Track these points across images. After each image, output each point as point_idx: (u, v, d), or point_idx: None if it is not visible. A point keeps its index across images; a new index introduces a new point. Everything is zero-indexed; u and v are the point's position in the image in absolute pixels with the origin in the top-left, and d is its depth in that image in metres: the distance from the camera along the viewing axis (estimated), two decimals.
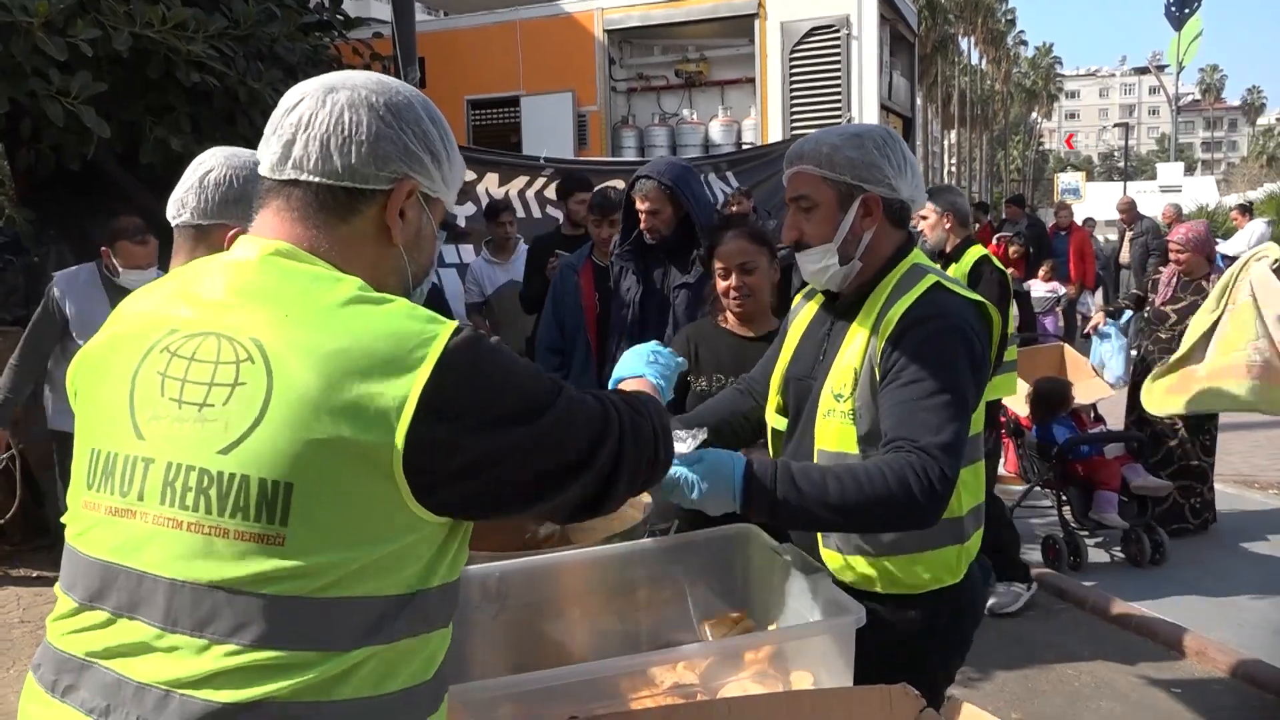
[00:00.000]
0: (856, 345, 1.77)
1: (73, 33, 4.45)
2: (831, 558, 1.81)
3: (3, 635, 4.34)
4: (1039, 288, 9.98)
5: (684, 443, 1.56)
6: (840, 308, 1.87)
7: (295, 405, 0.96)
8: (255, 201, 1.14)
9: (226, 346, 1.01)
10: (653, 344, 1.71)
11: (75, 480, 1.08)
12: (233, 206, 1.70)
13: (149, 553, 0.99)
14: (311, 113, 1.10)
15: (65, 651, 1.03)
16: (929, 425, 1.62)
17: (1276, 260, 4.47)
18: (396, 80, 1.17)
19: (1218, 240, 11.81)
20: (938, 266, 1.88)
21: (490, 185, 6.60)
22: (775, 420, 1.97)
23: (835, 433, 1.76)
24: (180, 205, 1.73)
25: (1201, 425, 5.12)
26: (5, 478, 5.11)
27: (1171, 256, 5.22)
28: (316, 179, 1.09)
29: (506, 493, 1.05)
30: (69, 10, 4.47)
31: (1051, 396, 5.12)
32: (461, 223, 6.31)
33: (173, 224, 1.76)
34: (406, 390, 0.96)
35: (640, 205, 3.36)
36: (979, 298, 1.77)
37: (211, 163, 1.74)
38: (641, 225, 3.39)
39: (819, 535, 1.83)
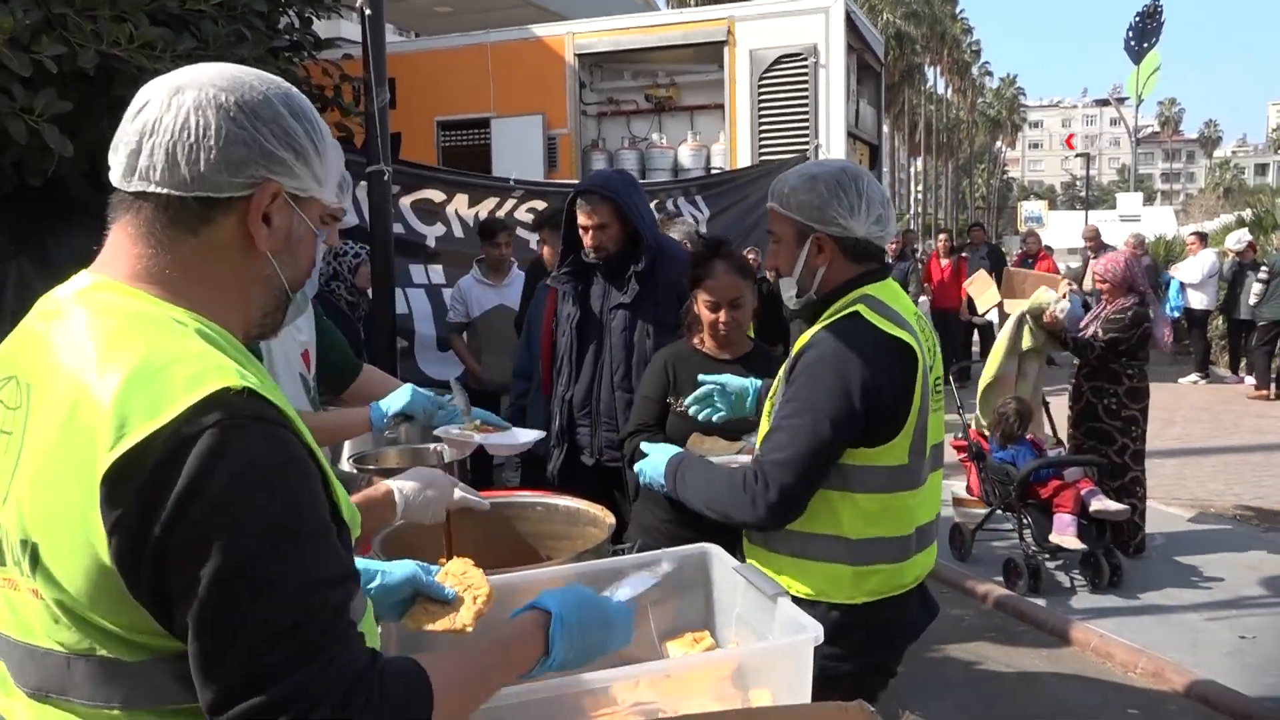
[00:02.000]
0: (788, 363, 2.00)
1: (37, 49, 4.42)
2: (747, 547, 2.09)
3: None
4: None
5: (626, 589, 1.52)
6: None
7: (37, 462, 0.92)
8: (113, 217, 1.05)
9: (15, 392, 0.98)
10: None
11: None
12: None
13: None
14: (157, 117, 1.00)
15: None
16: (778, 444, 1.90)
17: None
18: (253, 72, 1.06)
19: (1176, 266, 12.10)
20: (889, 297, 1.97)
21: (460, 206, 6.61)
22: None
23: (762, 435, 2.04)
24: None
25: (1129, 429, 5.19)
26: None
27: (1095, 285, 5.43)
28: (165, 190, 0.99)
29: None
30: (34, 27, 4.43)
31: (1024, 415, 5.20)
32: (431, 243, 6.31)
33: None
34: (111, 459, 0.87)
35: (586, 220, 3.13)
36: (899, 334, 1.88)
37: None
38: (588, 243, 3.16)
39: (743, 532, 2.11)
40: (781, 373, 2.01)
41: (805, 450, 1.84)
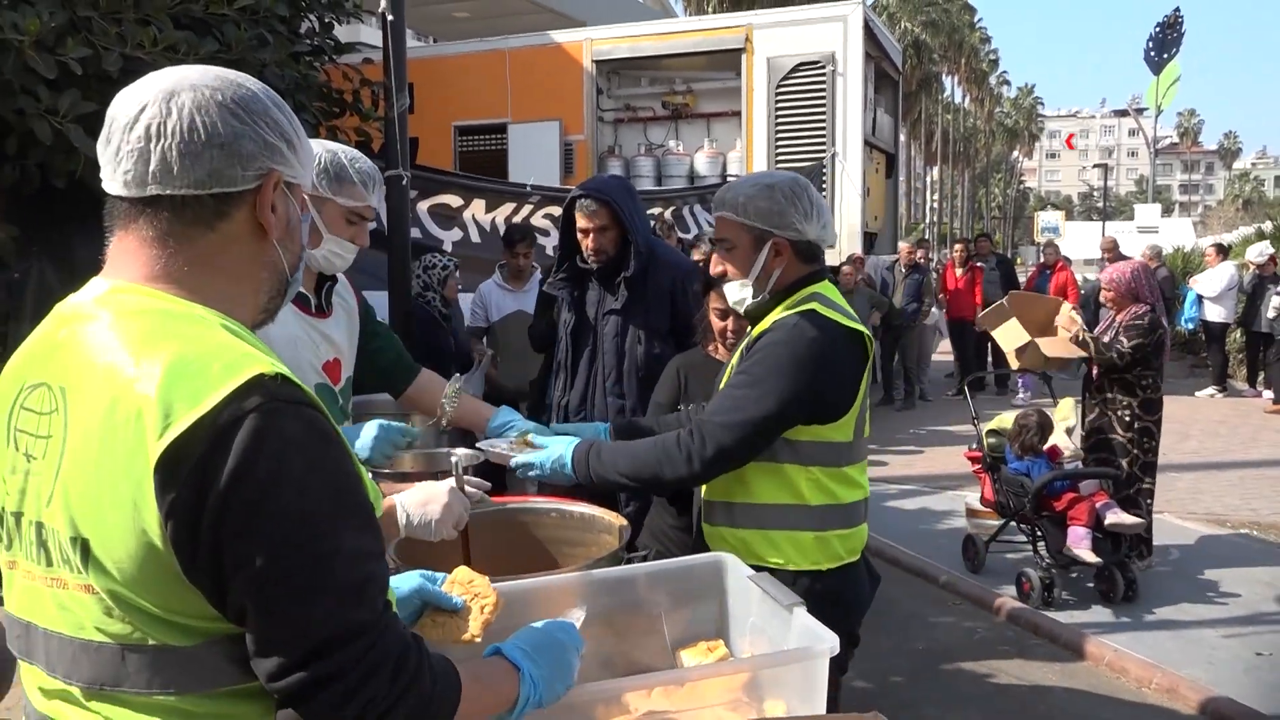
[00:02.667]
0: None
1: (62, 51, 4.47)
2: (706, 528, 2.17)
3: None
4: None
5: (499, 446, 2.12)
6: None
7: (81, 459, 0.95)
8: (112, 226, 1.08)
9: (48, 397, 1.01)
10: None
11: None
12: None
13: (29, 603, 1.03)
14: (159, 121, 1.02)
15: (26, 693, 1.08)
16: (722, 407, 2.04)
17: None
18: (231, 71, 1.11)
19: (1195, 279, 12.01)
20: (835, 295, 2.14)
21: (477, 211, 6.63)
22: None
23: None
24: None
25: (1142, 440, 5.15)
26: None
27: (1101, 296, 5.40)
28: (180, 190, 1.02)
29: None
30: (60, 29, 4.48)
31: (1045, 426, 5.16)
32: (448, 248, 6.34)
33: None
34: (157, 449, 0.90)
35: (586, 224, 3.15)
36: (854, 325, 2.07)
37: None
38: (587, 246, 3.17)
39: (701, 513, 2.21)
40: (735, 357, 2.17)
41: (747, 418, 1.99)
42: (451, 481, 1.78)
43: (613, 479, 2.06)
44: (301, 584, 0.93)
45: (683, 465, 2.00)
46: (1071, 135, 52.27)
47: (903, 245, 11.36)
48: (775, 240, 2.09)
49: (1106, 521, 4.79)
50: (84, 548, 0.95)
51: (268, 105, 1.09)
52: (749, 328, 2.77)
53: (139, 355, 0.96)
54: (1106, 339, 5.18)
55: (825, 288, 2.15)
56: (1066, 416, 5.56)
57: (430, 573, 1.39)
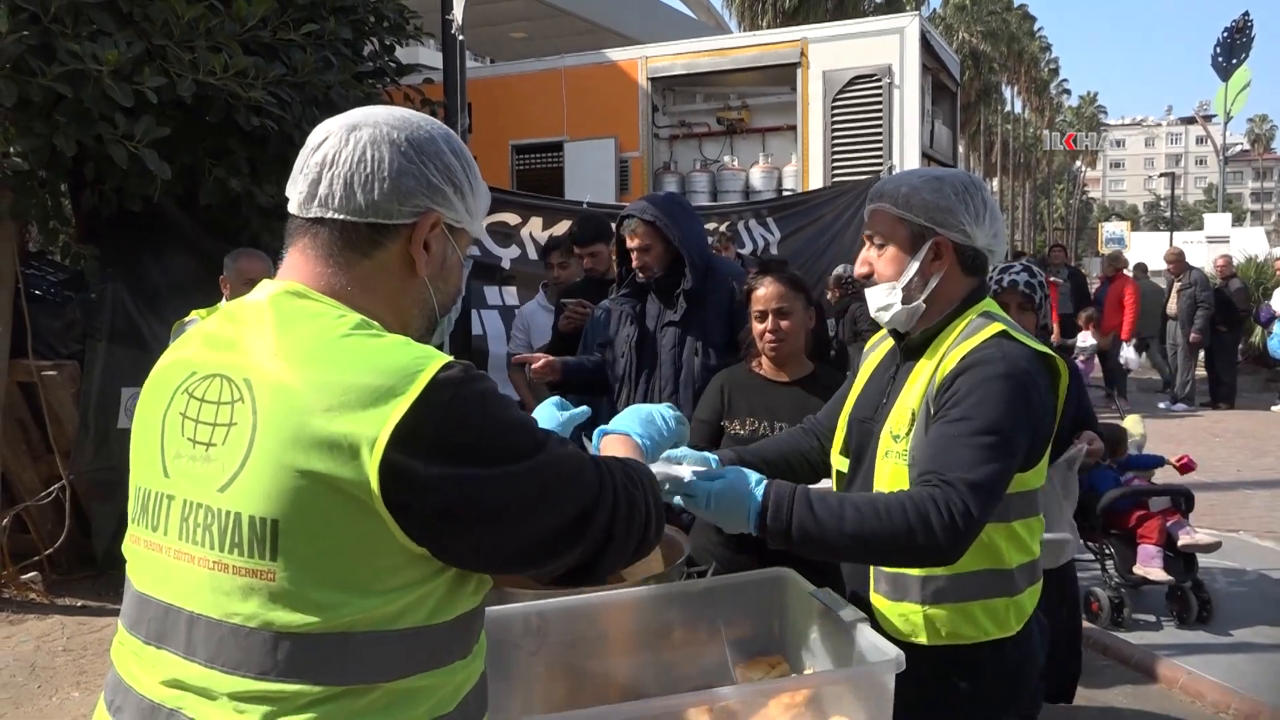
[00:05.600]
0: (918, 387, 1.77)
1: (139, 80, 4.63)
2: (879, 602, 1.80)
3: (46, 663, 4.42)
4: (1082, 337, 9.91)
5: (681, 465, 1.57)
6: (907, 350, 1.88)
7: (275, 443, 0.98)
8: (289, 238, 1.16)
9: (227, 387, 1.05)
10: (663, 407, 1.67)
11: (129, 515, 1.14)
12: None
13: (172, 585, 1.04)
14: (336, 151, 1.11)
15: (117, 673, 1.09)
16: (964, 461, 1.60)
17: None
18: (419, 115, 1.19)
19: (1277, 295, 11.61)
20: (1008, 317, 1.84)
21: (534, 229, 6.71)
22: (839, 461, 1.96)
23: (890, 473, 1.76)
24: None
25: None
26: (55, 508, 5.24)
27: None
28: (341, 216, 1.11)
29: (487, 548, 1.04)
30: (136, 59, 4.65)
31: (1113, 440, 5.03)
32: (506, 265, 6.40)
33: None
34: (381, 423, 0.96)
35: (630, 243, 3.29)
36: (1047, 350, 1.75)
37: None
38: (634, 263, 3.31)
39: (871, 581, 1.82)
40: (918, 396, 1.76)
41: (998, 472, 1.62)
42: None
43: (832, 540, 1.55)
44: (539, 492, 1.05)
45: (922, 537, 1.53)
46: (1071, 135, 50.47)
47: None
48: (938, 239, 1.79)
49: (1180, 542, 4.65)
50: (272, 529, 0.98)
51: (442, 149, 1.16)
52: (795, 340, 2.71)
53: (335, 349, 1.02)
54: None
55: (992, 304, 1.85)
56: (1136, 431, 5.41)
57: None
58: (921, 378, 1.78)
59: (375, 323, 1.08)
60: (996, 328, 1.74)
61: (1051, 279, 11.16)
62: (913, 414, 1.75)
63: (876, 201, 1.85)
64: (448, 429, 0.99)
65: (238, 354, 1.06)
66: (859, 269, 1.88)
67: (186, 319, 3.95)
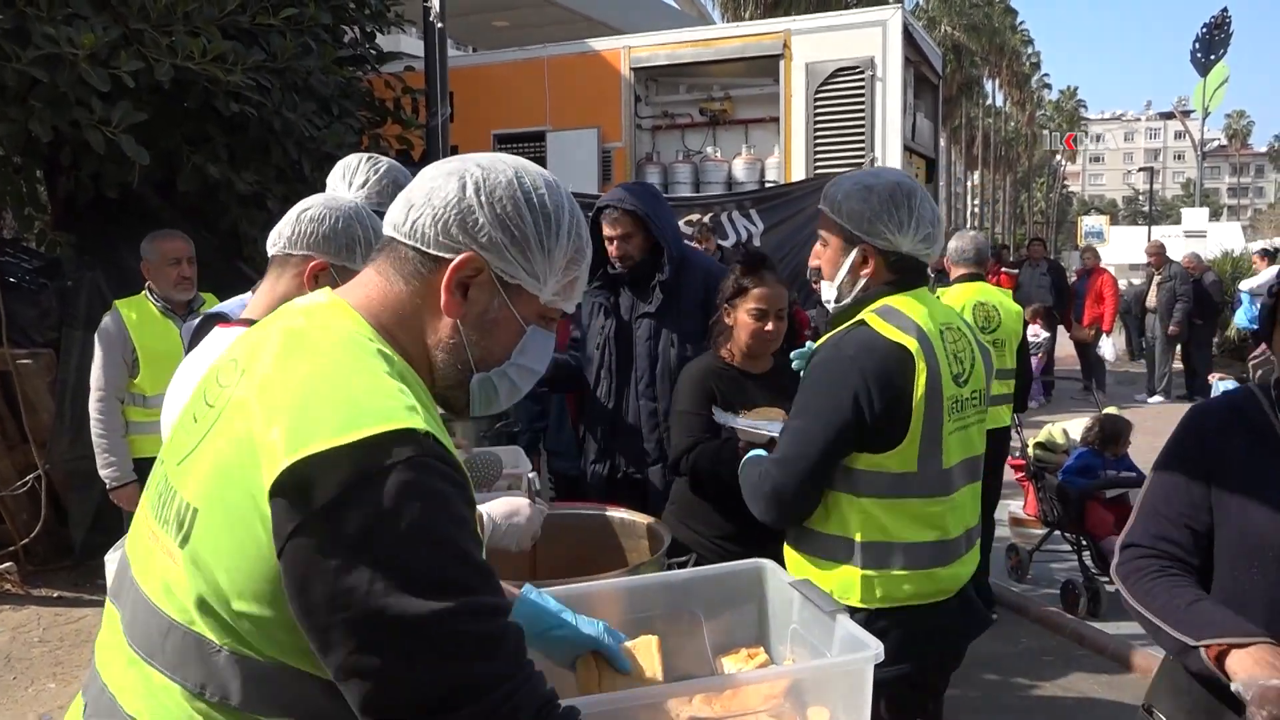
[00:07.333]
0: None
1: (116, 64, 4.57)
2: (785, 552, 2.09)
3: (22, 654, 4.38)
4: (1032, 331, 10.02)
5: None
6: None
7: (226, 438, 0.98)
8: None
9: (233, 372, 1.05)
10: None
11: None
12: (322, 242, 1.80)
13: (135, 550, 1.09)
14: (421, 178, 1.12)
15: (95, 647, 1.12)
16: (781, 446, 2.01)
17: None
18: (536, 167, 1.14)
19: (1245, 283, 11.81)
20: (907, 306, 1.95)
21: None
22: None
23: None
24: (277, 236, 1.85)
25: None
26: (30, 498, 5.19)
27: None
28: (398, 237, 1.09)
29: (320, 652, 0.92)
30: (113, 43, 4.59)
31: (1108, 433, 5.06)
32: None
33: (269, 254, 1.87)
34: (296, 449, 0.90)
35: (610, 231, 3.23)
36: (901, 339, 1.90)
37: (312, 202, 1.85)
38: (613, 253, 3.25)
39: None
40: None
41: (796, 453, 1.93)
42: (525, 494, 1.84)
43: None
44: (451, 630, 0.90)
45: (756, 507, 2.06)
46: (1071, 135, 50.79)
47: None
48: (863, 246, 1.97)
49: None
50: (192, 517, 0.97)
51: (515, 198, 1.08)
52: (781, 337, 2.77)
53: (306, 369, 0.99)
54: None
55: (902, 299, 1.98)
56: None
57: (614, 630, 1.44)
58: None
59: (394, 352, 1.05)
60: (859, 319, 1.94)
61: (1005, 270, 11.35)
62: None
63: (822, 203, 2.04)
64: (354, 501, 0.88)
65: (257, 344, 1.06)
66: (812, 261, 2.09)
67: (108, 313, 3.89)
